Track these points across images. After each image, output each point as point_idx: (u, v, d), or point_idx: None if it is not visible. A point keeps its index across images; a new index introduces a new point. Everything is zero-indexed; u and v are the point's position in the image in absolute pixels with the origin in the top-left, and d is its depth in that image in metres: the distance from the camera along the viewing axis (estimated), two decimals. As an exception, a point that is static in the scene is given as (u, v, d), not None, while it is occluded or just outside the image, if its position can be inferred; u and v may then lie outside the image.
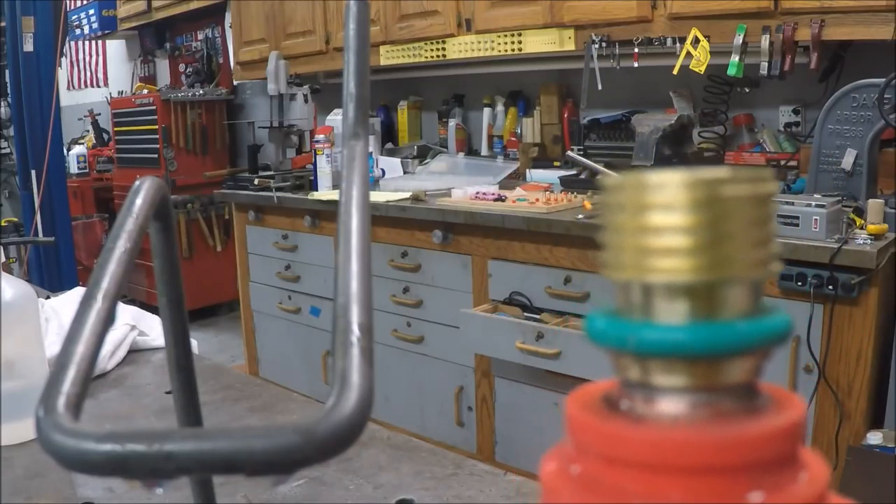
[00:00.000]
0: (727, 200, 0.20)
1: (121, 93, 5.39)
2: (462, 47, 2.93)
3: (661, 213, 0.20)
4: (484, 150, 3.37)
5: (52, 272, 4.15)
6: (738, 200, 0.20)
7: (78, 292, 1.24)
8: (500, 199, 2.48)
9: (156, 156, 4.48)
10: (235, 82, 4.49)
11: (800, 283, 1.79)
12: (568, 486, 0.21)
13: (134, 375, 1.03)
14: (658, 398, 0.21)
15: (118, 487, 0.70)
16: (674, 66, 2.37)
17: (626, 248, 0.21)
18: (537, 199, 2.43)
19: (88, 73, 6.20)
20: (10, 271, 1.92)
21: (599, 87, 2.57)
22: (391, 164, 3.31)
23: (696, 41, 2.31)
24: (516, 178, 3.02)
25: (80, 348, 0.29)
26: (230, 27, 4.19)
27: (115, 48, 5.84)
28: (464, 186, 2.71)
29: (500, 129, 3.33)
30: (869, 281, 1.73)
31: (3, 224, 4.23)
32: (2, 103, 5.30)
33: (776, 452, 0.20)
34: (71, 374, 0.28)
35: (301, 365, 3.22)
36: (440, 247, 2.58)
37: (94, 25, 5.25)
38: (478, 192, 2.58)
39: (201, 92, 4.59)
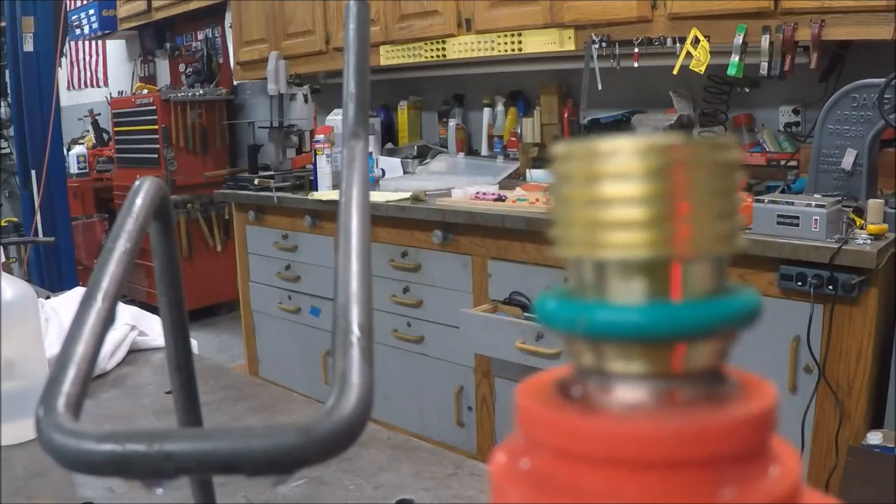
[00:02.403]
0: (686, 168, 0.18)
1: (121, 93, 5.39)
2: (462, 47, 2.93)
3: (614, 182, 0.18)
4: (484, 150, 3.37)
5: (52, 272, 4.14)
6: (699, 168, 0.18)
7: (78, 292, 1.23)
8: (500, 199, 2.48)
9: (156, 156, 4.48)
10: (235, 82, 4.48)
11: (800, 283, 1.79)
12: (517, 483, 0.19)
13: (134, 375, 1.03)
14: (614, 386, 0.19)
15: (118, 487, 0.70)
16: (674, 66, 2.37)
17: (576, 221, 0.19)
18: (537, 199, 2.42)
19: (88, 73, 6.20)
20: (10, 271, 1.92)
21: (599, 87, 2.57)
22: (391, 164, 3.31)
23: (696, 41, 2.31)
24: (516, 178, 3.02)
25: (80, 348, 0.29)
26: (230, 27, 4.19)
27: (115, 48, 5.84)
28: (464, 186, 2.71)
29: (500, 129, 3.33)
30: (869, 281, 1.73)
31: (3, 224, 4.24)
32: (2, 103, 5.31)
33: (743, 445, 0.18)
34: (71, 374, 0.28)
35: (301, 365, 3.22)
36: (440, 247, 2.58)
37: (94, 25, 5.25)
38: (478, 192, 2.58)
39: (201, 92, 4.59)
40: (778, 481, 0.18)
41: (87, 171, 5.44)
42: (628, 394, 0.19)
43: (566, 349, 0.20)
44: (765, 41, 2.17)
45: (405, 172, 3.32)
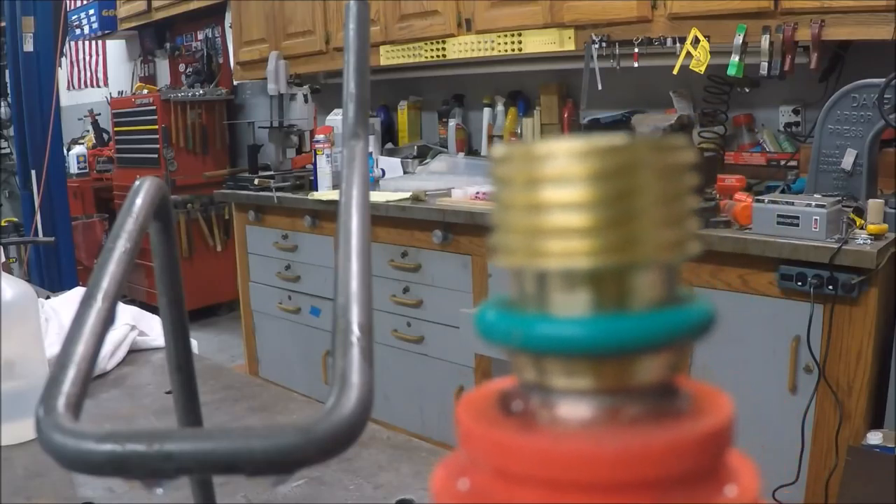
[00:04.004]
0: (631, 170, 0.17)
1: (121, 93, 5.38)
2: (462, 47, 2.92)
3: (554, 187, 0.17)
4: (484, 150, 3.37)
5: (52, 272, 4.14)
6: (645, 170, 0.17)
7: (78, 292, 1.24)
8: (500, 199, 2.48)
9: (156, 156, 4.48)
10: (235, 82, 4.48)
11: (800, 283, 1.79)
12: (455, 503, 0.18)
13: (134, 375, 1.03)
14: (556, 402, 0.18)
15: (118, 487, 0.70)
16: (674, 66, 2.37)
17: (515, 228, 0.18)
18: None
19: (88, 73, 6.20)
20: (10, 271, 1.92)
21: (599, 87, 2.57)
22: (391, 164, 3.31)
23: (696, 41, 2.31)
24: (516, 178, 3.02)
25: (80, 348, 0.29)
26: (230, 27, 4.19)
27: (115, 48, 5.84)
28: (464, 186, 2.71)
29: (500, 129, 3.33)
30: (869, 281, 1.73)
31: (3, 224, 4.24)
32: (2, 103, 5.30)
33: (692, 464, 0.17)
34: (71, 374, 0.28)
35: (301, 365, 3.21)
36: (440, 247, 2.58)
37: (94, 25, 5.25)
38: (478, 192, 2.58)
39: (201, 92, 4.59)
40: (732, 502, 0.17)
41: (87, 171, 5.44)
42: (571, 410, 0.18)
43: (510, 363, 0.19)
44: (765, 41, 2.17)
45: (405, 172, 3.32)
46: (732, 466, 0.18)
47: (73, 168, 5.35)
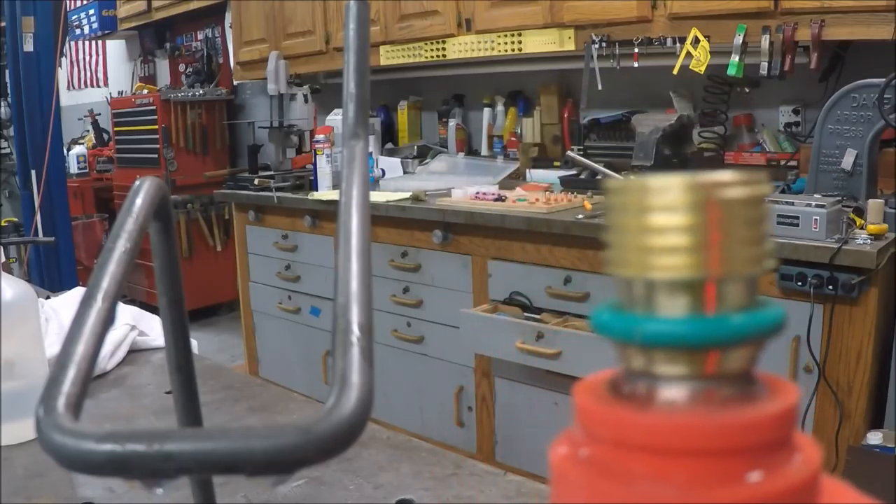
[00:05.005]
0: (724, 202, 0.21)
1: (121, 93, 5.38)
2: (462, 47, 2.93)
3: (662, 214, 0.22)
4: (484, 150, 3.37)
5: (52, 272, 4.14)
6: (734, 202, 0.22)
7: (78, 292, 1.23)
8: (500, 199, 2.48)
9: (156, 156, 4.48)
10: (235, 82, 4.48)
11: (800, 283, 1.79)
12: (578, 469, 0.22)
13: (134, 375, 1.03)
14: (661, 386, 0.22)
15: (118, 487, 0.70)
16: (674, 66, 2.37)
17: (629, 247, 0.22)
18: (537, 199, 2.42)
19: (88, 73, 6.20)
20: (10, 271, 1.92)
21: (599, 87, 2.57)
22: (391, 164, 3.31)
23: (696, 41, 2.31)
24: (516, 178, 3.02)
25: (80, 348, 0.29)
26: (230, 27, 4.19)
27: (115, 48, 5.84)
28: (464, 186, 2.71)
29: (500, 129, 3.33)
30: (869, 281, 1.73)
31: (3, 224, 4.24)
32: (2, 103, 5.31)
33: (772, 435, 0.21)
34: (71, 374, 0.28)
35: (301, 365, 3.22)
36: (440, 247, 2.58)
37: (94, 25, 5.25)
38: (478, 192, 2.58)
39: (201, 92, 4.59)
40: (802, 467, 0.21)
41: (87, 171, 5.44)
42: (673, 392, 0.22)
43: (618, 354, 0.23)
44: (765, 41, 2.17)
45: (405, 172, 3.32)
46: (799, 441, 0.22)
47: (73, 168, 5.35)
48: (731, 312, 0.22)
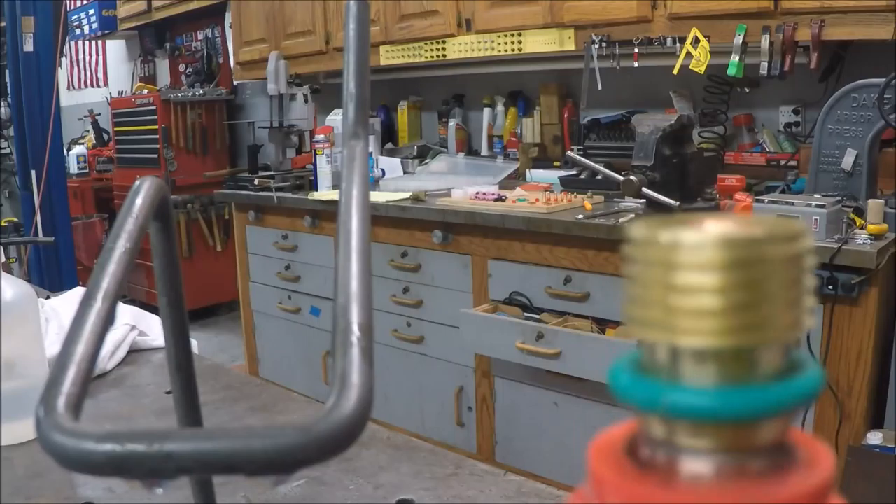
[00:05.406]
0: (762, 261, 0.19)
1: (121, 93, 5.38)
2: (462, 47, 2.93)
3: (692, 272, 0.19)
4: (484, 150, 3.37)
5: (52, 272, 4.14)
6: (773, 261, 0.19)
7: (78, 292, 1.23)
8: (500, 199, 2.48)
9: (156, 156, 4.48)
10: (235, 82, 4.48)
11: (800, 283, 1.79)
12: None
13: (134, 375, 1.03)
14: (684, 458, 0.20)
15: (118, 487, 0.70)
16: (674, 66, 2.37)
17: (653, 305, 0.20)
18: (537, 200, 2.43)
19: (88, 73, 6.20)
20: (10, 271, 1.92)
21: (599, 87, 2.57)
22: (391, 164, 3.31)
23: (696, 41, 2.31)
24: (516, 178, 3.02)
25: (80, 348, 0.29)
26: (230, 27, 4.19)
27: (115, 48, 5.84)
28: (464, 186, 2.71)
29: (500, 129, 3.33)
30: (869, 281, 1.73)
31: (3, 224, 4.23)
32: (2, 103, 5.30)
33: None
34: (71, 374, 0.28)
35: (301, 365, 3.22)
36: (440, 247, 2.58)
37: (94, 25, 5.25)
38: (478, 192, 2.58)
39: (201, 92, 4.59)
40: None
41: (87, 171, 5.43)
42: (697, 466, 0.20)
43: (636, 416, 0.21)
44: (765, 41, 2.17)
45: (405, 172, 3.32)
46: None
47: (73, 168, 5.35)
48: (765, 382, 0.19)
